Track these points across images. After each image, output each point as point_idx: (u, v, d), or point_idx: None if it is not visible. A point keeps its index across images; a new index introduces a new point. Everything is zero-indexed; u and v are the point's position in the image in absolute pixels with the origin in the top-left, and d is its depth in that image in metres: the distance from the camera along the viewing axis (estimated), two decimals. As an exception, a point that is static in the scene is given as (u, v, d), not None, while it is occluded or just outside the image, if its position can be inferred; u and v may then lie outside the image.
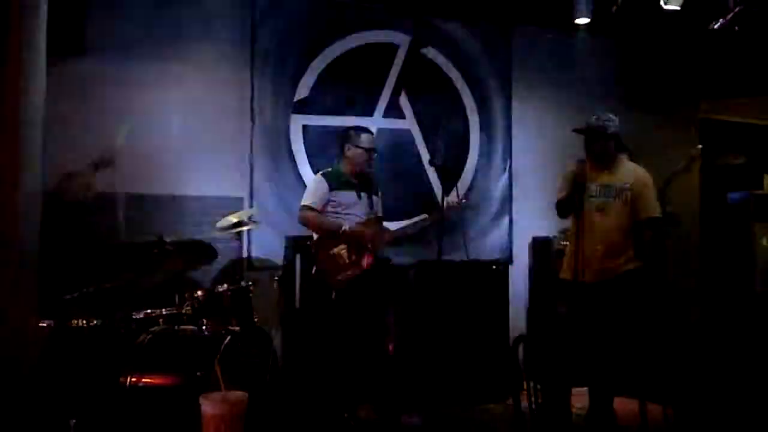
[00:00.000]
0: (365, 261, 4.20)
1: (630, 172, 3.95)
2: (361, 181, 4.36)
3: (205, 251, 4.14)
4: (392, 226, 4.62)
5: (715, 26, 4.40)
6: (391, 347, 4.31)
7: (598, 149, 3.90)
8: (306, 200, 4.29)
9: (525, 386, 2.72)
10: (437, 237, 4.04)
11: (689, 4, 4.53)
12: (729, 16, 4.37)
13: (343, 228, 4.16)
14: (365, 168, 4.34)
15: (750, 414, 3.99)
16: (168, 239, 3.86)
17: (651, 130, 6.02)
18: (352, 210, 4.30)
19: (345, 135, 4.42)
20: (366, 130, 4.47)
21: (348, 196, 4.30)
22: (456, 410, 4.51)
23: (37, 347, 2.46)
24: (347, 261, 4.17)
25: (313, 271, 4.29)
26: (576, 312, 3.82)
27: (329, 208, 4.29)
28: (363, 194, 4.35)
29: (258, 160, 5.12)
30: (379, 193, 4.48)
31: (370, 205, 4.36)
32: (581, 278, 3.77)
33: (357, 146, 4.32)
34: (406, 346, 4.41)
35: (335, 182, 4.29)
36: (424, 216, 4.41)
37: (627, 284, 3.87)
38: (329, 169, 4.39)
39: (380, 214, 4.46)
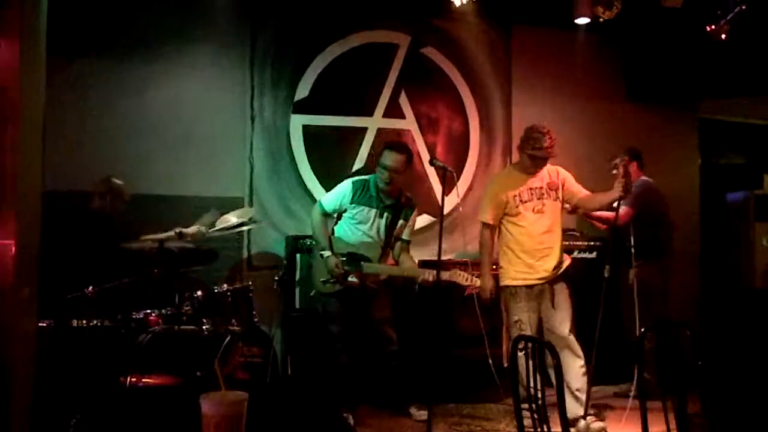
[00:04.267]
0: (350, 278, 4.18)
1: (547, 170, 4.20)
2: (390, 203, 4.27)
3: (204, 255, 4.18)
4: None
5: (715, 27, 4.40)
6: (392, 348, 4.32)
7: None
8: (323, 198, 4.38)
9: (524, 386, 2.73)
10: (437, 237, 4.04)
11: (689, 4, 4.53)
12: (729, 16, 4.36)
13: (324, 253, 4.16)
14: (381, 185, 4.22)
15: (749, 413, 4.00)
16: (168, 245, 3.89)
17: (651, 129, 6.03)
18: (363, 227, 4.25)
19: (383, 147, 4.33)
20: (394, 148, 4.25)
21: (365, 213, 4.24)
22: (456, 409, 4.52)
23: (35, 347, 2.46)
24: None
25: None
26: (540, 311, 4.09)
27: (347, 216, 4.29)
28: (386, 215, 4.25)
29: (258, 160, 5.13)
30: (412, 219, 4.36)
31: (388, 230, 4.26)
32: (538, 279, 4.05)
33: (380, 163, 4.21)
34: (407, 345, 4.41)
35: (358, 194, 4.24)
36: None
37: (570, 274, 4.18)
38: (364, 178, 4.32)
39: (406, 238, 4.36)
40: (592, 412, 4.01)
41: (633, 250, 4.61)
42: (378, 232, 4.27)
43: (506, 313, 4.23)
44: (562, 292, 4.12)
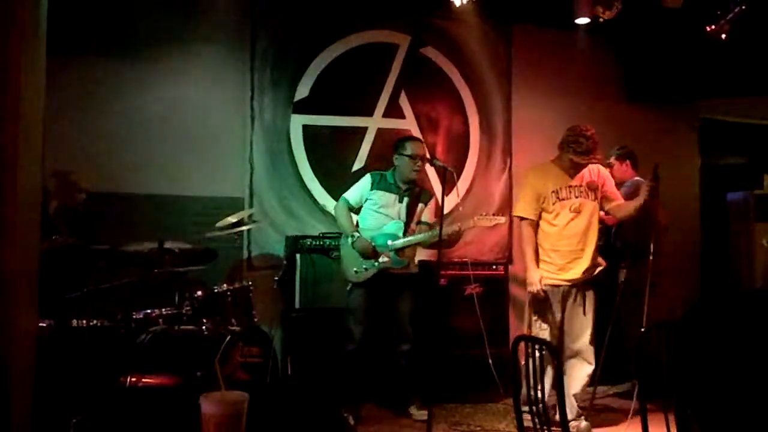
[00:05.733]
0: (381, 259, 4.26)
1: (589, 168, 4.11)
2: (408, 189, 4.42)
3: (204, 255, 4.18)
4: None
5: (715, 27, 4.40)
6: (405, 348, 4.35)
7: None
8: (346, 193, 4.50)
9: (525, 385, 2.73)
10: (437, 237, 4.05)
11: (689, 4, 4.53)
12: (729, 16, 4.37)
13: (353, 234, 4.27)
14: (413, 176, 4.38)
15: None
16: (168, 245, 3.89)
17: (651, 129, 6.03)
18: (385, 210, 4.38)
19: (394, 145, 4.49)
20: (412, 138, 4.58)
21: (386, 197, 4.39)
22: (456, 409, 4.53)
23: (35, 347, 2.46)
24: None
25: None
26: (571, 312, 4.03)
27: (366, 205, 4.42)
28: (405, 199, 4.39)
29: (258, 160, 5.13)
30: (431, 203, 4.48)
31: (410, 212, 4.38)
32: (565, 281, 3.99)
33: (402, 155, 4.37)
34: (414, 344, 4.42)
35: (377, 182, 4.42)
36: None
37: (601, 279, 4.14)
38: (382, 171, 4.50)
39: (426, 221, 4.44)
40: (582, 413, 4.02)
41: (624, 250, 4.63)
42: (399, 215, 4.38)
43: (529, 310, 4.16)
44: (591, 298, 4.04)
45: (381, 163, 4.89)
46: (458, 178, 4.64)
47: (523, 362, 2.65)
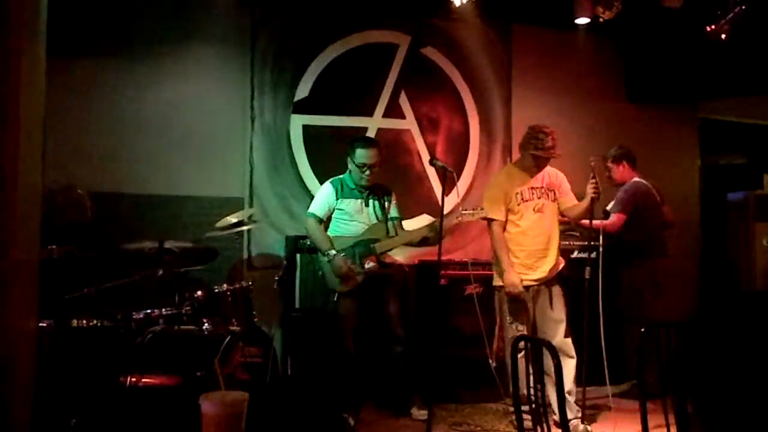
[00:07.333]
0: (367, 265, 4.21)
1: (547, 171, 4.21)
2: (369, 190, 4.36)
3: (205, 254, 4.18)
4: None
5: (715, 27, 4.40)
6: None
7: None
8: (311, 208, 4.37)
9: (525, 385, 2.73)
10: (437, 237, 4.05)
11: (689, 4, 4.53)
12: (729, 16, 4.37)
13: (329, 253, 4.17)
14: (363, 182, 4.30)
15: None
16: (168, 245, 3.89)
17: (651, 129, 6.03)
18: (356, 218, 4.31)
19: (348, 149, 4.36)
20: (364, 144, 4.35)
21: (353, 204, 4.31)
22: (456, 409, 4.52)
23: (35, 347, 2.46)
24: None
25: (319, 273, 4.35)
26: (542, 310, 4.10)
27: (336, 215, 4.34)
28: (372, 202, 4.34)
29: (258, 160, 5.13)
30: (392, 197, 4.46)
31: (381, 210, 4.36)
32: (534, 280, 4.06)
33: (353, 162, 4.29)
34: (408, 345, 4.41)
35: (341, 190, 4.32)
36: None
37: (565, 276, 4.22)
38: (338, 177, 4.39)
39: (396, 215, 4.46)
40: (579, 415, 4.01)
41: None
42: (370, 218, 4.34)
43: (500, 313, 4.21)
44: (558, 294, 4.11)
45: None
46: (458, 178, 4.64)
47: (522, 362, 2.64)
